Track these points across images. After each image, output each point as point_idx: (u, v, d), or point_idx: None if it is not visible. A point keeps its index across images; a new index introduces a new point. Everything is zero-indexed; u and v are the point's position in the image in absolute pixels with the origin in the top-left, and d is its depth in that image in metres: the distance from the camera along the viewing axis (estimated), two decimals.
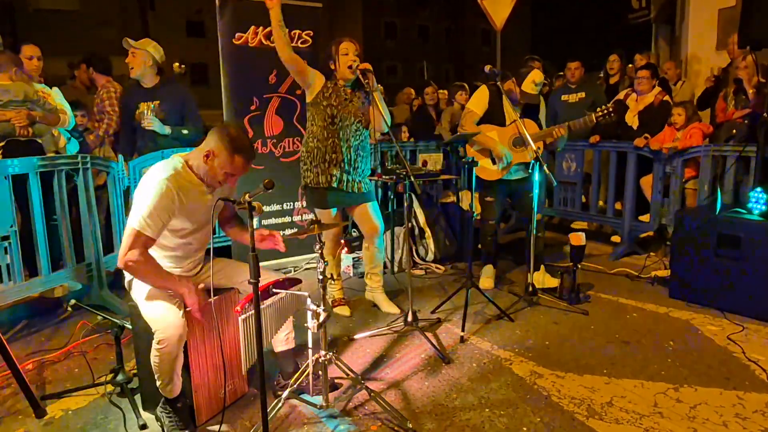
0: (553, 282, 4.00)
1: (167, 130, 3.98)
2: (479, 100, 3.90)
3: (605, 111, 3.71)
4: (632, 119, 5.25)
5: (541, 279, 4.07)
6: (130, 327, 2.50)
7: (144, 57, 3.94)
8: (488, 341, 3.24)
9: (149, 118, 3.95)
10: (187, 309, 2.26)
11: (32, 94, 3.84)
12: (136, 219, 2.15)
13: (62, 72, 6.10)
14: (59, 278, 3.67)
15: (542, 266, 4.16)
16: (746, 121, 4.43)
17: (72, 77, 5.44)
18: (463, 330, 3.31)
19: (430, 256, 4.85)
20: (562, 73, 6.13)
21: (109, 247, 4.08)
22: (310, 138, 3.43)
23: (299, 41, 4.48)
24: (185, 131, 4.04)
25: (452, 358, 3.02)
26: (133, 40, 4.00)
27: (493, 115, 3.89)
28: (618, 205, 5.20)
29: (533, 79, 3.77)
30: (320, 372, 2.42)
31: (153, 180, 2.20)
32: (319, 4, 4.64)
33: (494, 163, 3.91)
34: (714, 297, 3.63)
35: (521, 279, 4.32)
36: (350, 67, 3.30)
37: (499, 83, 3.74)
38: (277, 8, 3.20)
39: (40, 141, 3.96)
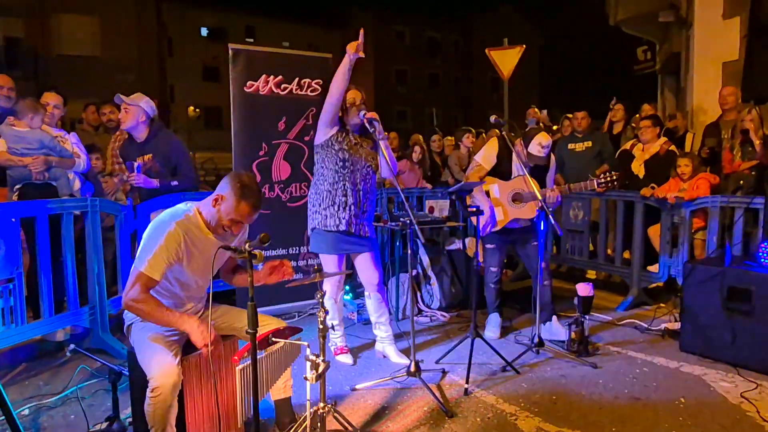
0: (562, 334, 3.93)
1: (155, 183, 3.82)
2: (489, 155, 3.90)
3: (608, 179, 3.70)
4: (638, 168, 5.26)
5: (555, 330, 4.01)
6: (127, 374, 2.47)
7: (137, 112, 3.78)
8: (493, 394, 3.16)
9: (134, 177, 3.78)
10: (187, 356, 2.23)
11: (48, 140, 3.93)
12: (140, 260, 2.19)
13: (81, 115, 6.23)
14: (62, 321, 3.66)
15: (554, 317, 4.09)
16: (753, 173, 4.43)
17: (80, 121, 5.54)
18: (467, 382, 3.23)
19: (436, 304, 4.79)
20: (570, 116, 6.20)
21: (114, 290, 4.08)
22: (320, 181, 3.46)
23: (309, 89, 4.59)
24: (174, 183, 3.86)
25: (455, 411, 2.94)
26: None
27: (500, 168, 3.91)
28: (626, 254, 5.15)
29: (539, 142, 3.73)
30: (318, 425, 2.35)
31: (162, 223, 2.25)
32: (329, 55, 4.78)
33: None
34: (726, 351, 3.53)
35: (528, 329, 4.24)
36: (358, 114, 3.37)
37: (504, 133, 3.79)
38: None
39: (55, 184, 4.03)
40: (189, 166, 4.07)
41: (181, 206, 2.35)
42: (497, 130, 3.89)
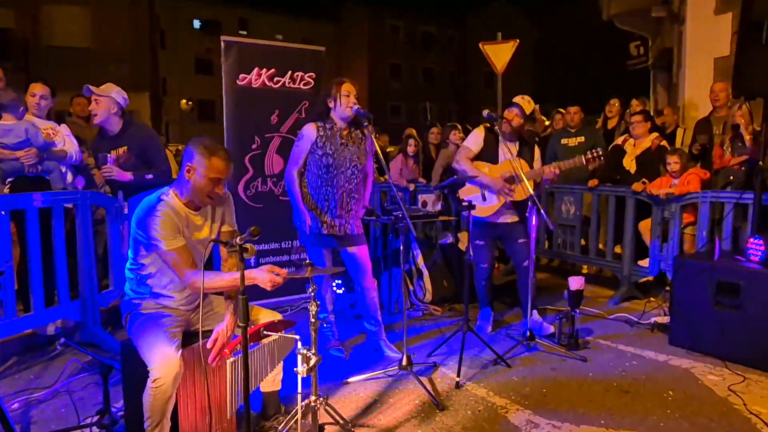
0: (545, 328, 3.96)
1: (129, 177, 3.77)
2: (475, 139, 4.00)
3: (595, 155, 3.77)
4: (630, 163, 5.28)
5: (533, 322, 4.01)
6: (118, 367, 2.47)
7: (109, 104, 3.73)
8: (484, 387, 3.18)
9: (107, 169, 3.73)
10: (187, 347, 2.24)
11: (32, 131, 3.88)
12: (159, 242, 2.20)
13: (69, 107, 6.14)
14: (52, 314, 3.64)
15: (534, 311, 4.10)
16: (743, 168, 4.46)
17: (69, 114, 5.45)
18: (458, 375, 3.25)
19: (428, 298, 4.81)
20: (562, 111, 6.22)
21: (105, 283, 4.07)
22: (304, 183, 3.48)
23: (302, 83, 4.58)
24: (149, 176, 3.78)
25: (446, 404, 2.96)
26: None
27: (487, 154, 3.98)
28: (617, 249, 5.19)
29: (527, 98, 3.92)
30: (310, 418, 2.36)
31: (148, 209, 2.26)
32: (322, 48, 4.76)
33: (484, 199, 3.93)
34: (714, 345, 3.57)
35: (519, 322, 4.26)
36: (350, 108, 3.37)
37: (497, 127, 3.81)
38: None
39: (48, 177, 4.00)
40: (164, 158, 3.99)
41: (154, 194, 2.36)
42: (490, 124, 3.91)
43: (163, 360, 2.13)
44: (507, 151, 3.79)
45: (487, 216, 3.96)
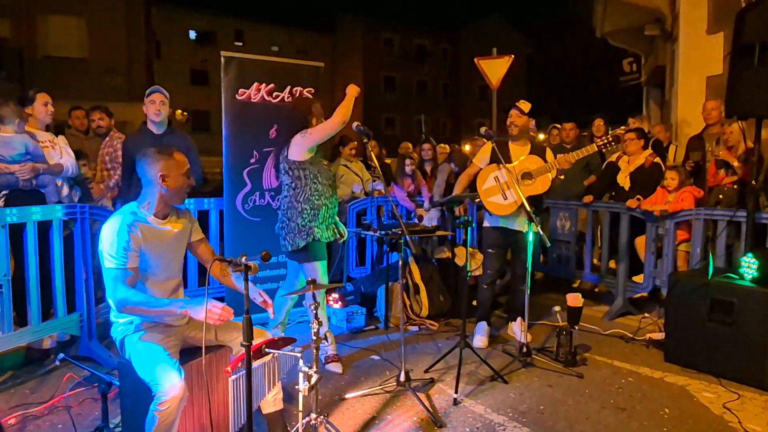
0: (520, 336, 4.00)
1: None
2: (482, 154, 4.15)
3: (609, 139, 3.95)
4: (624, 180, 5.34)
5: (518, 331, 4.09)
6: (117, 384, 2.46)
7: (169, 107, 4.12)
8: (482, 404, 3.19)
9: None
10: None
11: (32, 146, 3.87)
12: (107, 260, 2.26)
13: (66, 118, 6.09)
14: (49, 328, 3.62)
15: (519, 318, 4.15)
16: (736, 187, 4.52)
17: (68, 126, 5.44)
18: (456, 391, 3.26)
19: (424, 313, 4.81)
20: (558, 126, 6.30)
21: (102, 297, 4.05)
22: (315, 196, 3.50)
23: (300, 98, 4.60)
24: None
25: (444, 422, 2.96)
26: (143, 88, 4.10)
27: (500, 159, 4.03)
28: (612, 264, 5.23)
29: (523, 101, 4.10)
30: None
31: (110, 223, 2.32)
32: (321, 64, 4.81)
33: (504, 198, 3.97)
34: (709, 362, 3.60)
35: (515, 338, 4.28)
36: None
37: (494, 143, 3.86)
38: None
39: (43, 191, 3.98)
40: (199, 162, 4.25)
41: (123, 210, 2.40)
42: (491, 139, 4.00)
43: (170, 384, 2.12)
44: (516, 155, 4.00)
45: (503, 219, 4.03)
